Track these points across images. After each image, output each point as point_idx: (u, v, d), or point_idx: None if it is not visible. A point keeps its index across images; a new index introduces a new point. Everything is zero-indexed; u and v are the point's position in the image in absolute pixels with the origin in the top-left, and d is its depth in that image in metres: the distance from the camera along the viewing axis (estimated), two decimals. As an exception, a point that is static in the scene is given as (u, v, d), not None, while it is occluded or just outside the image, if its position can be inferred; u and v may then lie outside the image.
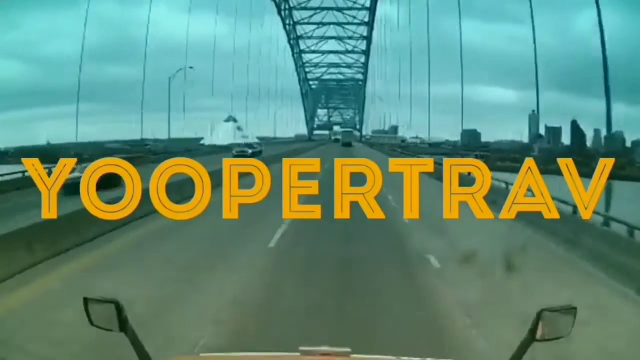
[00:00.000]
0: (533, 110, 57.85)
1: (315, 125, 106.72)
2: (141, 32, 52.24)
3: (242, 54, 61.83)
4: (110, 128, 58.48)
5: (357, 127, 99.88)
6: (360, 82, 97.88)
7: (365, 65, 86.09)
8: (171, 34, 56.82)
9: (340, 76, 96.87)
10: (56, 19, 52.69)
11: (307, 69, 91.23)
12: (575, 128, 55.24)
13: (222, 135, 62.61)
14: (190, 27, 55.27)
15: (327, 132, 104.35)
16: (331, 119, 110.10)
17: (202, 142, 59.35)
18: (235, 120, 67.21)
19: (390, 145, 61.43)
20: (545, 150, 52.49)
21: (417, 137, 64.87)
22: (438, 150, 52.63)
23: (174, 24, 56.81)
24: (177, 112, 56.82)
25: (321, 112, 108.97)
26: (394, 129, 73.39)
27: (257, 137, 67.75)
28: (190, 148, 47.35)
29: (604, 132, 53.35)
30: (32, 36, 50.64)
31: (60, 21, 53.13)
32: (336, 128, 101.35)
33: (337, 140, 79.01)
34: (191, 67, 54.89)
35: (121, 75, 58.20)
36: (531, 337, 1.75)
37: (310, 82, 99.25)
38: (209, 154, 36.14)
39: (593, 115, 53.05)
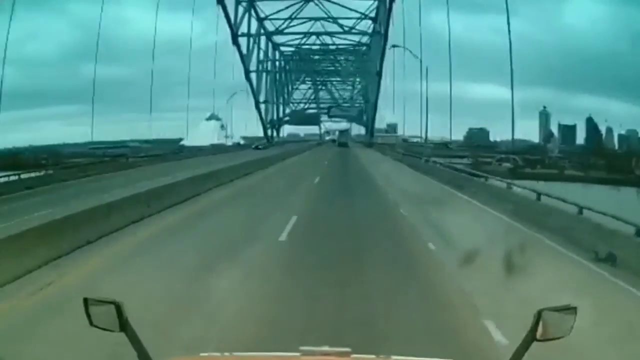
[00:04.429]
0: (544, 107, 58.37)
1: (285, 115, 76.89)
2: (118, 32, 53.08)
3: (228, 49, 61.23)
4: (99, 130, 58.85)
5: (364, 118, 74.73)
6: (364, 48, 71.62)
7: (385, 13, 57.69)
8: (149, 32, 57.04)
9: (335, 40, 69.79)
10: (31, 20, 53.75)
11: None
12: (592, 126, 55.60)
13: (203, 134, 62.55)
14: (168, 24, 55.51)
15: (312, 128, 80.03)
16: (320, 105, 79.12)
17: (182, 142, 59.34)
18: (218, 119, 66.77)
19: (393, 146, 60.85)
20: (565, 152, 52.86)
21: (418, 137, 64.49)
22: (448, 151, 52.31)
23: (151, 23, 56.75)
24: (162, 112, 58.26)
25: (297, 95, 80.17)
26: (393, 127, 71.94)
27: (242, 137, 67.71)
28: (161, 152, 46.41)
29: (617, 131, 54.01)
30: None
31: (35, 21, 54.18)
32: (328, 124, 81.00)
33: (333, 140, 76.62)
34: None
35: (100, 75, 58.87)
36: (531, 337, 1.88)
37: (280, 45, 72.13)
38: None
39: (598, 113, 53.81)
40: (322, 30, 66.45)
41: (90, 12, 53.74)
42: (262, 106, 69.95)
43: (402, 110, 63.81)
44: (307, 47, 71.37)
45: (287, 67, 76.58)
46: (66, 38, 52.96)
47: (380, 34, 60.52)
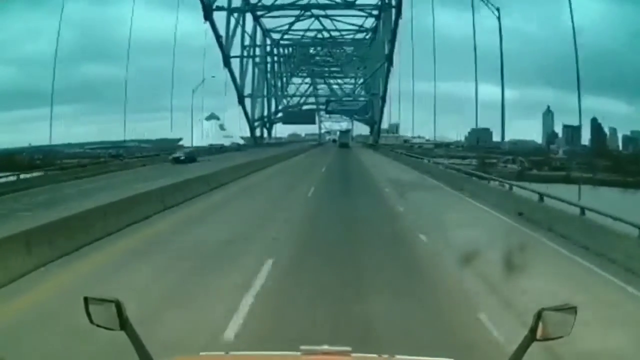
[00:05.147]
0: (548, 107, 58.36)
1: (278, 112, 68.49)
2: (116, 31, 53.43)
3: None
4: (97, 129, 59.41)
5: (368, 114, 66.36)
6: (366, 38, 64.63)
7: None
8: (148, 32, 57.35)
9: (336, 24, 61.20)
10: (28, 19, 54.30)
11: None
12: (596, 127, 55.56)
13: (202, 134, 62.52)
14: (168, 24, 55.36)
15: (313, 127, 74.43)
16: (318, 100, 70.48)
17: (180, 143, 59.40)
18: (217, 119, 66.57)
19: (392, 146, 60.49)
20: (571, 152, 52.97)
21: (420, 137, 64.46)
22: (451, 152, 52.16)
23: (149, 22, 56.87)
24: (161, 112, 58.45)
25: (292, 90, 72.48)
26: (395, 127, 71.19)
27: (241, 137, 67.59)
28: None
29: (621, 132, 54.13)
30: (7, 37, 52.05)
31: (32, 21, 54.66)
32: (329, 124, 77.86)
33: (334, 140, 75.52)
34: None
35: (99, 75, 59.65)
36: (531, 337, 1.88)
37: (271, 32, 62.99)
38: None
39: (599, 114, 53.97)
40: (319, 9, 58.11)
41: (87, 12, 54.07)
42: (248, 101, 61.98)
43: (404, 109, 63.26)
44: (302, 32, 63.40)
45: (280, 56, 68.66)
46: (65, 38, 53.28)
47: (391, 7, 52.66)
